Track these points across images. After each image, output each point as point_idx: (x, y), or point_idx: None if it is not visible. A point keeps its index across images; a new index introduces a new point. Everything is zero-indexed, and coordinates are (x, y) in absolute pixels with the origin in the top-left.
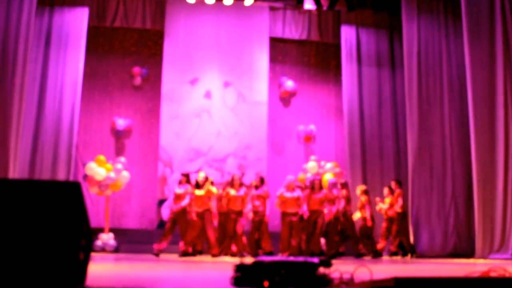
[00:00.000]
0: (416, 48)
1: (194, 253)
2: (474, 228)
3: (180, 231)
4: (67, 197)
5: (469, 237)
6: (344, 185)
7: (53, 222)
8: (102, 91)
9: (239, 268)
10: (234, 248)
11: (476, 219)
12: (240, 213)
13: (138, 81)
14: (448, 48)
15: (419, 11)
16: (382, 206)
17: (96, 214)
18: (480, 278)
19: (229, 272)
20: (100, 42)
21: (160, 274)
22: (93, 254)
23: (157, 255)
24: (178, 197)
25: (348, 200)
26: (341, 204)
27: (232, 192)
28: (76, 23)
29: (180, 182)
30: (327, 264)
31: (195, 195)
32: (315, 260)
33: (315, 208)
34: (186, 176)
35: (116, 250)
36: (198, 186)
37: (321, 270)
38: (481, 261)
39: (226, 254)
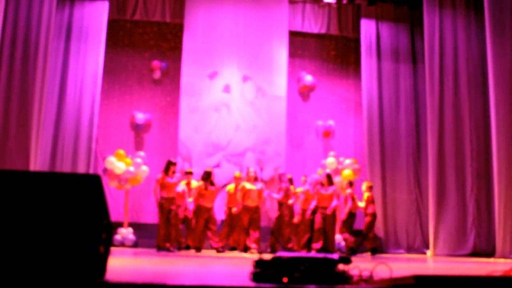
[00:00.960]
0: (437, 43)
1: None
2: (494, 227)
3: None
4: (87, 190)
5: (490, 236)
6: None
7: (74, 215)
8: (122, 84)
9: (258, 264)
10: (248, 242)
11: (496, 217)
12: (255, 208)
13: (157, 74)
14: (470, 43)
15: (440, 5)
16: (360, 204)
17: (116, 208)
18: (502, 277)
19: (248, 268)
20: (119, 35)
21: (179, 269)
22: (112, 249)
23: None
24: (170, 187)
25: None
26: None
27: (248, 186)
28: (96, 16)
29: (168, 171)
30: (347, 261)
31: (208, 190)
32: (335, 256)
33: (324, 205)
34: (175, 165)
35: (135, 244)
36: (207, 181)
37: (340, 266)
38: (502, 260)
39: (234, 249)
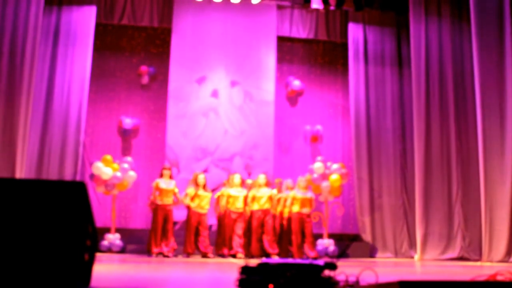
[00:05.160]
0: (423, 48)
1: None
2: (481, 231)
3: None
4: (72, 197)
5: (476, 240)
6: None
7: (58, 222)
8: (109, 90)
9: (244, 270)
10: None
11: (483, 221)
12: (240, 214)
13: (145, 80)
14: (455, 49)
15: (426, 11)
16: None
17: (103, 213)
18: (487, 282)
19: (234, 274)
20: (107, 40)
21: (165, 275)
22: (99, 254)
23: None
24: (165, 193)
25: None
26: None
27: (232, 192)
28: (83, 21)
29: (163, 176)
30: (333, 267)
31: (200, 196)
32: (321, 262)
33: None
34: (170, 170)
35: (122, 250)
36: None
37: (326, 272)
38: (488, 264)
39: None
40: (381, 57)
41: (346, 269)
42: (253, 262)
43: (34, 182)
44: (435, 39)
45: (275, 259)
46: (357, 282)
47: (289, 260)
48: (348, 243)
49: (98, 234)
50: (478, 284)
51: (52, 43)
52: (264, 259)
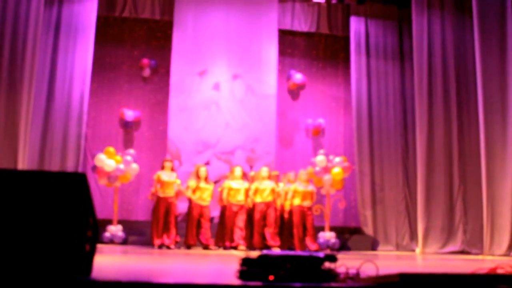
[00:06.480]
0: (425, 41)
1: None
2: (482, 225)
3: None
4: (73, 188)
5: (477, 234)
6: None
7: (59, 213)
8: (111, 82)
9: (245, 261)
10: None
11: (484, 215)
12: (242, 206)
13: (147, 72)
14: (457, 42)
15: (428, 5)
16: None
17: (105, 205)
18: (487, 275)
19: (235, 265)
20: (109, 32)
21: (167, 266)
22: (101, 246)
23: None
24: (167, 185)
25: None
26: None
27: (234, 184)
28: (85, 13)
29: (164, 168)
30: (333, 259)
31: (201, 188)
32: (321, 254)
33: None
34: (172, 162)
35: (124, 242)
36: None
37: (327, 264)
38: (489, 257)
39: (223, 247)
40: (383, 50)
41: (347, 262)
42: (254, 254)
43: (35, 173)
44: (438, 32)
45: (276, 251)
46: (357, 274)
47: (290, 252)
48: (348, 236)
49: (100, 226)
50: (478, 277)
51: (54, 35)
52: (264, 251)
